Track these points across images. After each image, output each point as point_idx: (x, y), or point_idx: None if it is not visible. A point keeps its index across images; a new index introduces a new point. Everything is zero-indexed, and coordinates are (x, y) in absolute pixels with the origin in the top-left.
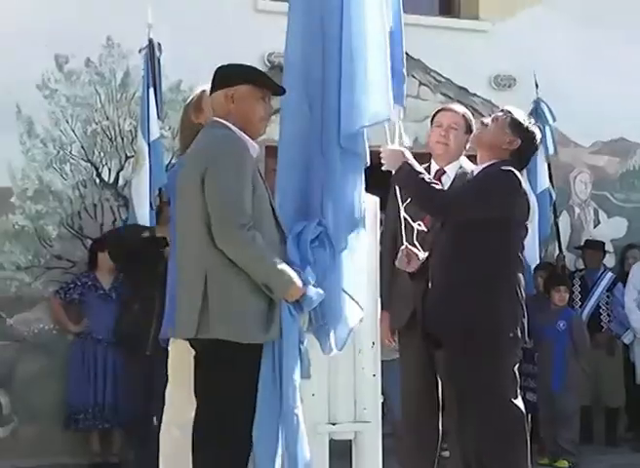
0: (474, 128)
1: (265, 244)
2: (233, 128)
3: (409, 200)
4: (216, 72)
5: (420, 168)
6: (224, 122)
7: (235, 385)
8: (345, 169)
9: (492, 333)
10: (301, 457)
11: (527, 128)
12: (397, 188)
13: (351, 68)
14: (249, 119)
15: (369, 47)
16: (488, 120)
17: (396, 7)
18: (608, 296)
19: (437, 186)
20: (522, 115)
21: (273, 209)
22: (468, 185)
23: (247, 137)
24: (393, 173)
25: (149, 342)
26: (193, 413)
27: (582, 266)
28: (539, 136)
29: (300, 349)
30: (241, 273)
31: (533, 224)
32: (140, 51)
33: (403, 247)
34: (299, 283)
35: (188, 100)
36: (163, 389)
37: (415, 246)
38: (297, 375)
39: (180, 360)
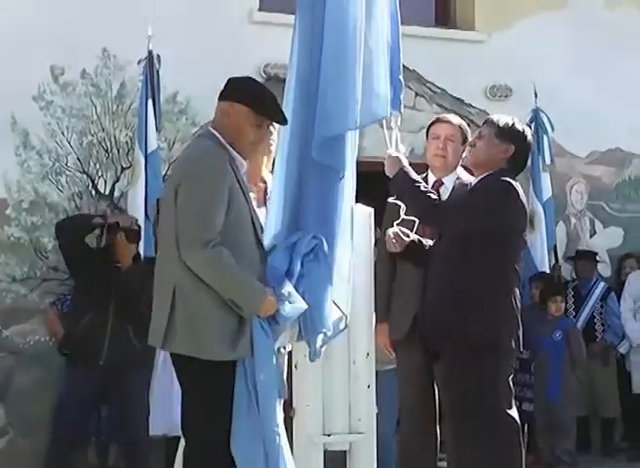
0: (469, 137)
1: (237, 260)
2: (222, 140)
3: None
4: (228, 81)
5: (416, 176)
6: (215, 133)
7: (205, 403)
8: (323, 179)
9: (488, 345)
10: None
11: (516, 131)
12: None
13: (332, 75)
14: (238, 138)
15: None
16: (474, 139)
17: (394, 14)
18: (602, 306)
19: (433, 195)
20: (506, 119)
21: (255, 226)
22: (466, 196)
23: (234, 153)
24: (390, 179)
25: (103, 353)
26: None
27: (573, 276)
28: (529, 132)
29: (275, 366)
30: (209, 289)
31: (541, 233)
32: (139, 62)
33: (391, 229)
34: (270, 299)
35: None
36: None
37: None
38: (275, 393)
39: None
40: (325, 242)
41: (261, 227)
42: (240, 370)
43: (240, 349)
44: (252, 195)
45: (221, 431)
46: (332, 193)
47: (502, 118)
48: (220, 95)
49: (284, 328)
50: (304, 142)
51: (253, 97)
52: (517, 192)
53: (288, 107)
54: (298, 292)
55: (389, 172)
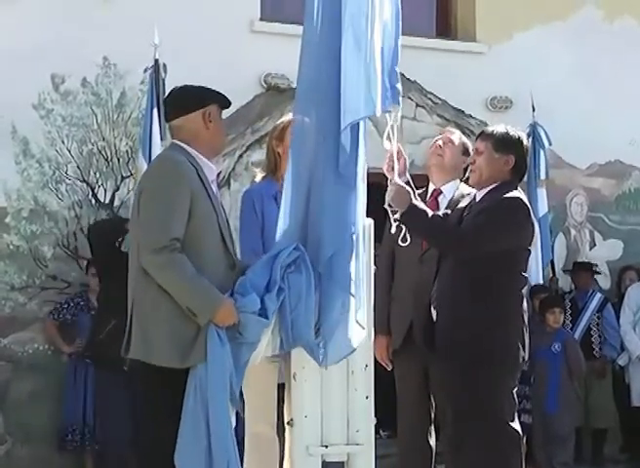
0: (470, 151)
1: (199, 267)
2: (189, 150)
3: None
4: (182, 94)
5: (424, 206)
6: (181, 144)
7: (154, 409)
8: (338, 192)
9: (498, 357)
10: None
11: (513, 139)
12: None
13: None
14: (219, 139)
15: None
16: (473, 156)
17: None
18: (598, 317)
19: (446, 225)
20: (500, 129)
21: (223, 233)
22: (481, 220)
23: (202, 160)
24: (399, 213)
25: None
26: (256, 428)
27: (572, 288)
28: (524, 136)
29: (231, 377)
30: (167, 295)
31: (536, 248)
32: (145, 71)
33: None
34: (227, 308)
35: (272, 129)
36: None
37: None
38: (225, 405)
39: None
40: (306, 254)
41: (230, 235)
42: (191, 379)
43: (192, 357)
44: None
45: (168, 439)
46: (347, 203)
47: (497, 129)
48: (181, 110)
49: (253, 339)
50: (316, 142)
51: (212, 93)
52: (528, 208)
53: (298, 110)
54: (279, 303)
55: (398, 205)
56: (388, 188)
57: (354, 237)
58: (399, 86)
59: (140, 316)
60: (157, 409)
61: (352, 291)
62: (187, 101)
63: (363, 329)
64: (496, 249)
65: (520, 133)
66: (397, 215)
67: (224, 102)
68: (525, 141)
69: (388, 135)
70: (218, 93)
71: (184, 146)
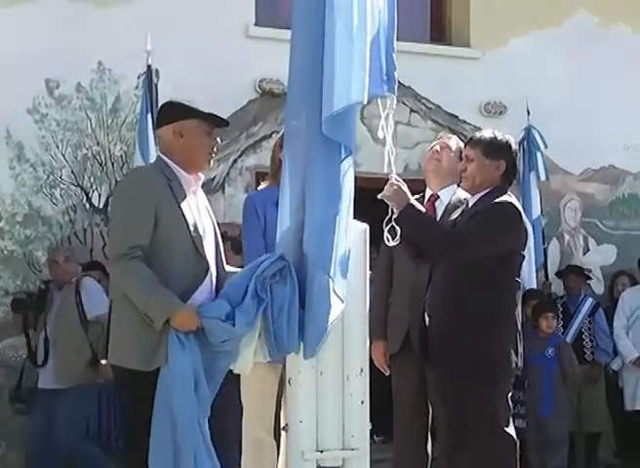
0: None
1: (165, 274)
2: (167, 161)
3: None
4: (161, 108)
5: (421, 207)
6: (162, 156)
7: (131, 411)
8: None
9: (493, 363)
10: None
11: (502, 144)
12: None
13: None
14: (195, 153)
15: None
16: (464, 164)
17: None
18: (590, 322)
19: (441, 229)
20: (488, 135)
21: (195, 242)
22: (474, 224)
23: (181, 172)
24: (396, 213)
25: None
26: (255, 433)
27: (563, 292)
28: (512, 140)
29: (196, 381)
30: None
31: (529, 251)
32: (138, 77)
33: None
34: (186, 314)
35: (277, 138)
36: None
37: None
38: (191, 410)
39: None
40: (291, 264)
41: (217, 241)
42: (160, 382)
43: (157, 360)
44: None
45: (144, 440)
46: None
47: (485, 135)
48: (159, 123)
49: (227, 348)
50: (309, 139)
51: (193, 109)
52: (520, 212)
53: (291, 108)
54: (258, 312)
55: (395, 204)
56: (385, 187)
57: (337, 218)
58: (396, 74)
59: (113, 321)
60: (134, 411)
61: (331, 272)
62: (163, 115)
63: (342, 302)
64: (489, 252)
65: (508, 137)
66: (394, 215)
67: (210, 120)
68: (514, 145)
69: (383, 126)
70: (202, 112)
71: (164, 158)
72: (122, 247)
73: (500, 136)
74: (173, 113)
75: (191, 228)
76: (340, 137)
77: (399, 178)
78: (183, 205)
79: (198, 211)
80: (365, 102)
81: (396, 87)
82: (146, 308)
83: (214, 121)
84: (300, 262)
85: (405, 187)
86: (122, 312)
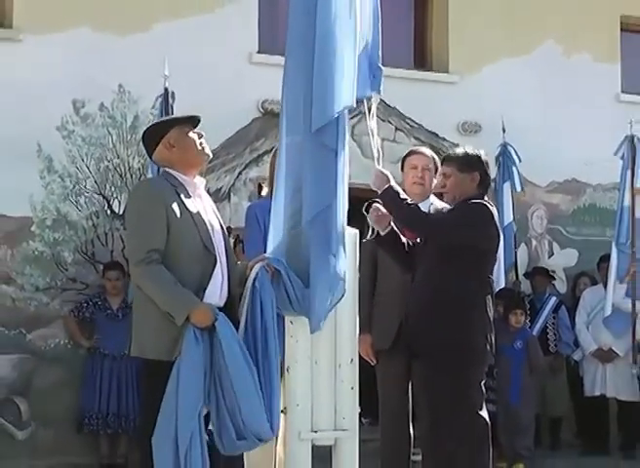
0: (439, 166)
1: (178, 271)
2: (171, 171)
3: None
4: (143, 135)
5: (402, 190)
6: (165, 169)
7: (151, 398)
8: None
9: (465, 351)
10: None
11: (474, 158)
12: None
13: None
14: (190, 154)
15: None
16: (442, 180)
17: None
18: (554, 317)
19: (420, 211)
20: (460, 151)
21: (203, 238)
22: (447, 214)
23: (184, 178)
24: (379, 193)
25: None
26: None
27: (531, 291)
28: (482, 153)
29: (205, 374)
30: (150, 301)
31: (500, 253)
32: (157, 98)
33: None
34: (202, 311)
35: (273, 151)
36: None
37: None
38: (195, 399)
39: None
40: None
41: (225, 239)
42: (174, 370)
43: (177, 351)
44: None
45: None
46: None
47: (457, 152)
48: (150, 148)
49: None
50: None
51: (166, 121)
52: (492, 213)
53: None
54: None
55: (377, 186)
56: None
57: (334, 205)
58: (382, 75)
59: (135, 319)
60: (151, 398)
61: (334, 250)
62: (148, 141)
63: (343, 280)
64: (462, 239)
65: (478, 151)
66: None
67: (186, 121)
68: (484, 157)
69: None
70: (175, 118)
71: (167, 170)
72: (140, 252)
73: (470, 152)
74: (154, 135)
75: (199, 226)
76: (330, 140)
77: (383, 169)
78: (190, 206)
79: (205, 211)
80: (354, 106)
81: (382, 85)
82: (168, 307)
83: (188, 121)
84: (298, 249)
85: (388, 174)
86: (142, 310)
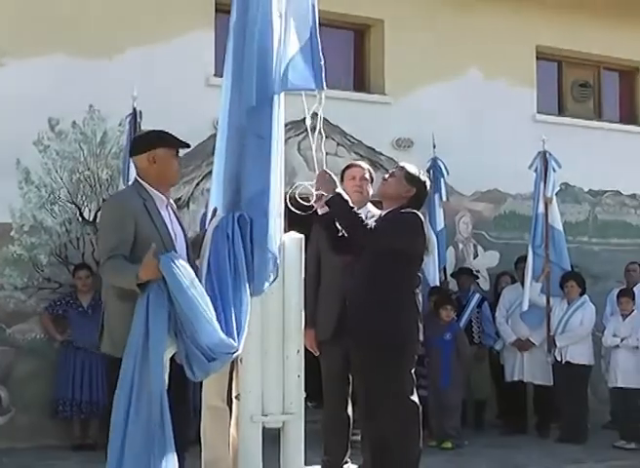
0: (374, 177)
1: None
2: (143, 183)
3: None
4: (134, 138)
5: (348, 197)
6: (138, 179)
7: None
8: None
9: (396, 344)
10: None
11: (419, 179)
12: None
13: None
14: (166, 176)
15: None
16: (387, 176)
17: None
18: (478, 312)
19: (362, 217)
20: (414, 168)
21: (164, 243)
22: (381, 223)
23: (154, 192)
24: (327, 198)
25: None
26: (212, 402)
27: (457, 289)
28: (428, 183)
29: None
30: (114, 298)
31: (434, 256)
32: (126, 117)
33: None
34: (147, 265)
35: None
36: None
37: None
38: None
39: None
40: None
41: (186, 243)
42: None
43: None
44: None
45: None
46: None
47: (412, 167)
48: (135, 152)
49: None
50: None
51: (160, 139)
52: (421, 222)
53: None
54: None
55: (325, 189)
56: (318, 175)
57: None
58: (322, 72)
59: (107, 318)
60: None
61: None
62: (137, 146)
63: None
64: (394, 245)
65: (425, 177)
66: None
67: (175, 144)
68: (428, 186)
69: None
70: (169, 138)
71: (139, 180)
72: (107, 254)
73: (421, 175)
74: (146, 144)
75: (162, 235)
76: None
77: (329, 171)
78: (156, 218)
79: (170, 221)
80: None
81: (324, 84)
82: (123, 281)
83: (179, 145)
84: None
85: (335, 177)
86: (113, 309)
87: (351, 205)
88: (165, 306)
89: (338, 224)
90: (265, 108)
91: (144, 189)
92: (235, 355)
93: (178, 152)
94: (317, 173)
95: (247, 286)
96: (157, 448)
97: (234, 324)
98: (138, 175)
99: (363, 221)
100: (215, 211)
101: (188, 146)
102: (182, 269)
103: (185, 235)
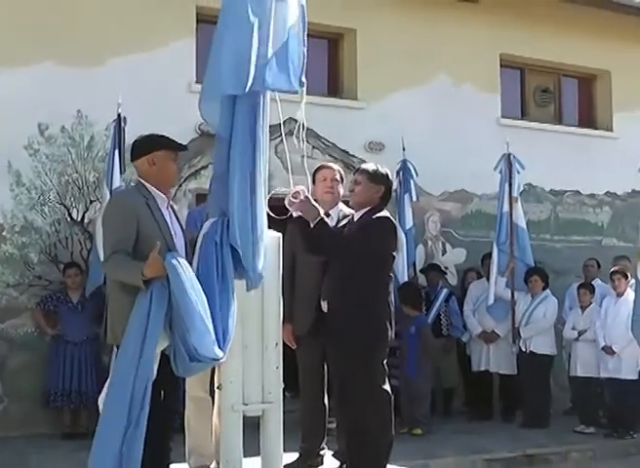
0: (345, 178)
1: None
2: (147, 185)
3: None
4: (134, 143)
5: (329, 221)
6: (140, 179)
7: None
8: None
9: (370, 343)
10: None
11: (383, 175)
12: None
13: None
14: (166, 176)
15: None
16: (353, 185)
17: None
18: (445, 306)
19: (342, 238)
20: (372, 166)
21: (166, 240)
22: (357, 231)
23: (155, 191)
24: (312, 224)
25: None
26: (194, 392)
27: (426, 284)
28: (389, 172)
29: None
30: (117, 292)
31: (403, 253)
32: (111, 122)
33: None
34: (152, 263)
35: None
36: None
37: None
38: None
39: None
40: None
41: (173, 242)
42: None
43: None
44: None
45: None
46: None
47: (370, 166)
48: (135, 155)
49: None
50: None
51: (160, 142)
52: (394, 225)
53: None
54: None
55: (309, 216)
56: (298, 200)
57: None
58: (302, 74)
59: (110, 311)
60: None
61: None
62: (137, 150)
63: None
64: (370, 252)
65: (386, 169)
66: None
67: (173, 147)
68: (390, 176)
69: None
70: (167, 141)
71: (141, 181)
72: (110, 250)
73: (380, 169)
74: (146, 147)
75: (163, 232)
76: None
77: (305, 191)
78: (157, 216)
79: (170, 219)
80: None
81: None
82: (128, 277)
83: (178, 148)
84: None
85: (313, 201)
86: (116, 303)
87: (332, 229)
88: (166, 303)
89: (319, 243)
90: (225, 109)
91: (146, 189)
92: (219, 363)
93: (176, 155)
94: (292, 185)
95: (234, 294)
96: (129, 438)
97: (221, 332)
98: (139, 176)
99: (343, 240)
100: (206, 215)
101: (186, 149)
102: (185, 269)
103: (185, 235)
